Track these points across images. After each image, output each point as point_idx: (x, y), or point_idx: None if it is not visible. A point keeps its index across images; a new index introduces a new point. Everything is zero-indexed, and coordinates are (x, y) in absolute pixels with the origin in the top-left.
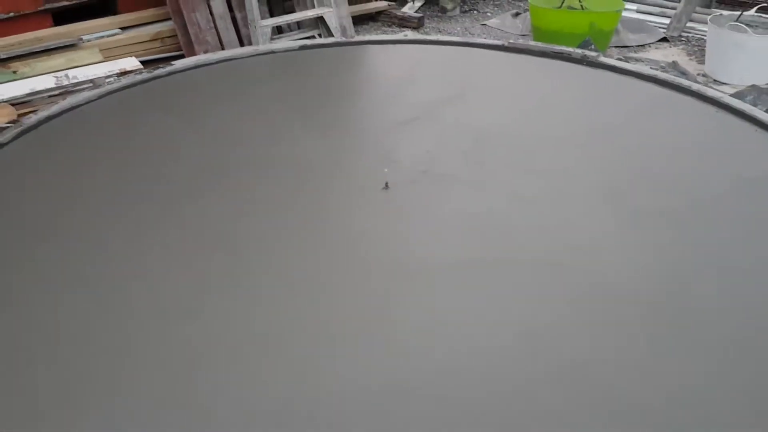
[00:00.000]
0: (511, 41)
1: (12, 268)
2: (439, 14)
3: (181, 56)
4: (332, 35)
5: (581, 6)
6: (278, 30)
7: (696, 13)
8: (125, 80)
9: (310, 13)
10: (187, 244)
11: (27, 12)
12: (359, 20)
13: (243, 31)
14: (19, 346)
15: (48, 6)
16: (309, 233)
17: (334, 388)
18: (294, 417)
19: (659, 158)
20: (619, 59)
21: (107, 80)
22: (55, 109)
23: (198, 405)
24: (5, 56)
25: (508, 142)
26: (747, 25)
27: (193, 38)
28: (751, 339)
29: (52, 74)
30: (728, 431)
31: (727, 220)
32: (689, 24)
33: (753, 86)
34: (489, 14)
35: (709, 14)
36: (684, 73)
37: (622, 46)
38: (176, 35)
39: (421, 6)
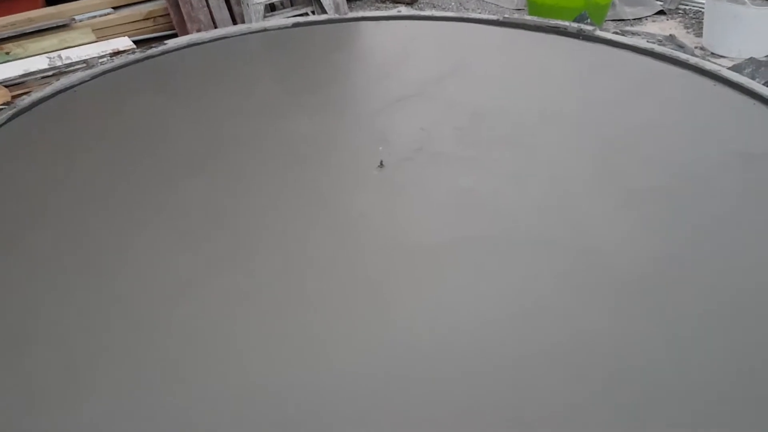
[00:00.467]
0: (506, 16)
1: (6, 250)
2: None
3: (174, 35)
4: (325, 12)
5: None
6: (271, 7)
7: None
8: (118, 60)
9: None
10: (181, 223)
11: None
12: None
13: (235, 9)
14: (10, 330)
15: None
16: (303, 212)
17: (332, 366)
18: (293, 396)
19: (656, 133)
20: (616, 33)
21: (100, 60)
22: (48, 90)
23: (194, 386)
24: None
25: (503, 119)
26: None
27: (185, 17)
28: (747, 312)
29: (45, 55)
30: (720, 400)
31: (724, 195)
32: None
33: (751, 59)
34: None
35: None
36: (681, 47)
37: (618, 20)
38: (168, 14)
39: None
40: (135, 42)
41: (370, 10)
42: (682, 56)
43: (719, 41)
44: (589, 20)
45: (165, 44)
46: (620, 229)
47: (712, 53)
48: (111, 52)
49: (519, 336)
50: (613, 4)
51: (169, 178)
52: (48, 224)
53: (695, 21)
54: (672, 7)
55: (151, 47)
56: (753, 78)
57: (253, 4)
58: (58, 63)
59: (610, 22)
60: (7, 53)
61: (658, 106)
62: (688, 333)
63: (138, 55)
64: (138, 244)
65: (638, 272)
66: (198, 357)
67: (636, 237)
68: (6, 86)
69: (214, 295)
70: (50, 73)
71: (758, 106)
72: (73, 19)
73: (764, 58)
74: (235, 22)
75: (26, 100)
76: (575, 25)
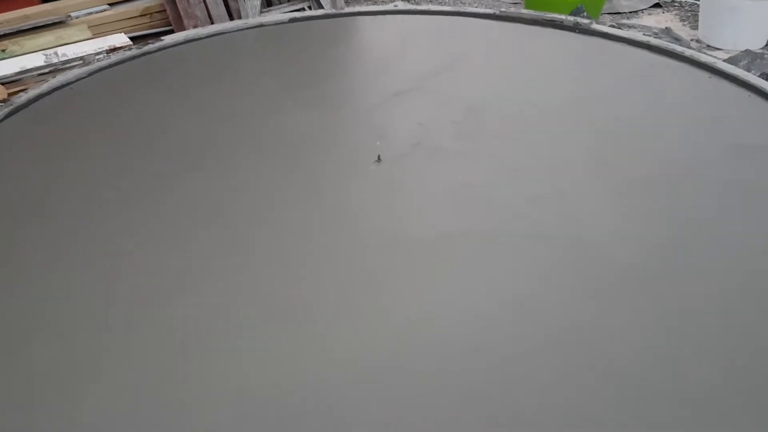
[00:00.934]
0: (502, 9)
1: (2, 248)
2: None
3: (171, 31)
4: (322, 7)
5: None
6: (268, 3)
7: None
8: (115, 57)
9: None
10: (179, 219)
11: None
12: None
13: (232, 4)
14: (7, 329)
15: None
16: (301, 207)
17: (330, 359)
18: (290, 389)
19: (652, 126)
20: (612, 26)
21: (97, 57)
22: (45, 87)
23: (194, 384)
24: None
25: (500, 113)
26: None
27: (182, 13)
28: (742, 305)
29: (42, 52)
30: (714, 395)
31: (719, 186)
32: None
33: (747, 51)
34: None
35: None
36: (677, 39)
37: (614, 13)
38: (165, 10)
39: None
40: (131, 38)
41: (367, 4)
42: (678, 49)
43: (715, 34)
44: (585, 13)
45: (161, 40)
46: (617, 222)
47: (708, 46)
48: (107, 48)
49: (516, 329)
50: None
51: (166, 174)
52: (45, 222)
53: (691, 13)
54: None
55: (148, 44)
56: (749, 70)
57: (250, 0)
58: (55, 60)
59: (606, 15)
60: (3, 50)
61: (654, 98)
62: (684, 326)
63: (134, 51)
64: (136, 240)
65: (635, 265)
66: (197, 354)
67: (633, 229)
68: (2, 84)
69: (213, 292)
70: (47, 70)
71: (754, 98)
72: (69, 16)
73: (760, 50)
74: (231, 18)
75: (23, 98)
76: (571, 18)
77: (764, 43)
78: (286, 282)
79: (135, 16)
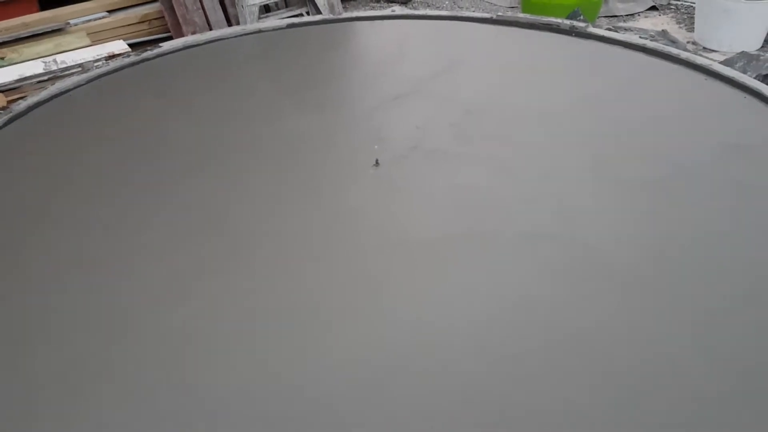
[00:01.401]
0: (499, 14)
1: (4, 255)
2: None
3: (169, 38)
4: (320, 12)
5: None
6: (266, 9)
7: None
8: (114, 64)
9: None
10: (179, 225)
11: None
12: None
13: (230, 10)
14: (12, 332)
15: None
16: (302, 211)
17: (331, 361)
18: (293, 392)
19: (649, 128)
20: (609, 29)
21: (96, 64)
22: (44, 94)
23: (195, 385)
24: None
25: (498, 116)
26: None
27: (180, 19)
28: (742, 305)
29: (41, 59)
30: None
31: (716, 187)
32: None
33: (742, 53)
34: None
35: None
36: (673, 42)
37: (611, 16)
38: (163, 17)
39: None
40: (130, 45)
41: (365, 9)
42: (674, 51)
43: (711, 36)
44: (581, 17)
45: (160, 47)
46: (615, 223)
47: (704, 48)
48: (106, 55)
49: (515, 330)
50: (606, 1)
51: (167, 179)
52: (46, 229)
53: (687, 16)
54: (664, 2)
55: (147, 50)
56: (744, 72)
57: (248, 6)
58: (54, 67)
59: (602, 18)
60: (2, 58)
61: (651, 100)
62: (684, 327)
63: (133, 58)
64: (137, 246)
65: (633, 266)
66: (200, 357)
67: (631, 231)
68: (1, 91)
69: (217, 294)
70: (46, 77)
71: (750, 99)
72: (68, 23)
73: (755, 52)
74: (230, 24)
75: (22, 105)
76: (568, 22)
77: (760, 44)
78: (288, 284)
79: (133, 23)
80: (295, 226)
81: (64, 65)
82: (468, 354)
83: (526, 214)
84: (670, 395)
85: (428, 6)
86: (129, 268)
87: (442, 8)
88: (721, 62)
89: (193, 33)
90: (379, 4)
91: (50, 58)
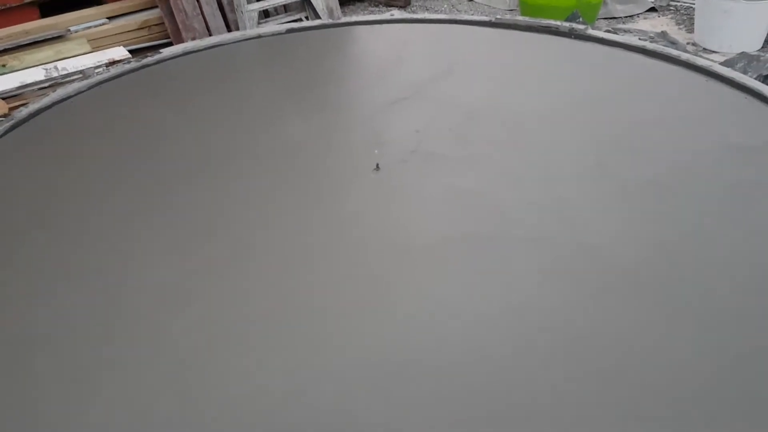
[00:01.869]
0: (498, 17)
1: (6, 261)
2: None
3: (169, 44)
4: (319, 17)
5: None
6: (265, 14)
7: None
8: (114, 70)
9: None
10: (181, 230)
11: (13, 5)
12: (346, 1)
13: (230, 16)
14: (12, 340)
15: None
16: (304, 214)
17: (334, 364)
18: (297, 396)
19: (650, 129)
20: (608, 31)
21: (96, 71)
22: (45, 101)
23: (198, 389)
24: None
25: (498, 119)
26: None
27: (180, 25)
28: (744, 307)
29: (42, 66)
30: (707, 396)
31: (719, 188)
32: None
33: (743, 53)
34: None
35: None
36: (673, 43)
37: (610, 18)
38: (163, 23)
39: None
40: (130, 51)
41: (363, 14)
42: (674, 53)
43: (710, 37)
44: (580, 19)
45: (160, 53)
46: (616, 225)
47: (704, 49)
48: (107, 62)
49: (516, 332)
50: (605, 3)
51: (169, 184)
52: (49, 234)
53: (686, 17)
54: (663, 3)
55: (147, 56)
56: (745, 72)
57: (247, 11)
58: (55, 74)
59: (601, 20)
60: (3, 65)
61: (652, 102)
62: (685, 329)
63: (134, 64)
64: (138, 251)
65: (635, 267)
66: (203, 361)
67: (632, 232)
68: (3, 98)
69: (216, 299)
70: (47, 84)
71: (750, 99)
72: (69, 30)
73: (756, 53)
74: (229, 30)
75: (24, 112)
76: (567, 24)
77: (760, 45)
78: (291, 288)
79: (133, 29)
80: (298, 230)
81: (65, 72)
82: (470, 356)
83: (528, 216)
84: (674, 397)
85: (427, 10)
86: (130, 274)
87: (441, 12)
88: (721, 63)
89: (193, 39)
90: (377, 8)
91: (51, 65)
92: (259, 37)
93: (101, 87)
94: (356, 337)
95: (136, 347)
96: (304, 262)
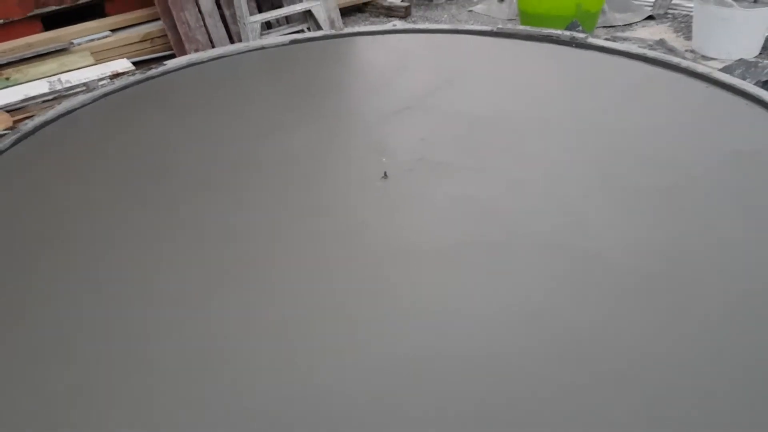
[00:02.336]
0: (499, 26)
1: (16, 274)
2: (426, 2)
3: (172, 56)
4: (321, 28)
5: None
6: (267, 25)
7: None
8: (118, 82)
9: (298, 7)
10: (189, 242)
11: (16, 19)
12: (347, 12)
13: (232, 28)
14: (26, 352)
15: (37, 11)
16: (314, 224)
17: (345, 371)
18: (308, 404)
19: (652, 136)
20: (607, 39)
21: (100, 83)
22: (50, 114)
23: (210, 396)
24: None
25: (501, 127)
26: None
27: (183, 37)
28: (750, 312)
29: (45, 79)
30: (714, 399)
31: (721, 194)
32: (675, 1)
33: (741, 60)
34: (475, 0)
35: None
36: (672, 50)
37: (609, 26)
38: (166, 35)
39: None
40: (134, 63)
41: (365, 24)
42: (674, 60)
43: (708, 44)
44: (580, 28)
45: (164, 65)
46: (621, 232)
47: (703, 56)
48: (111, 74)
49: (523, 338)
50: (603, 12)
51: (175, 196)
52: (56, 247)
53: (684, 25)
54: (661, 12)
55: (151, 68)
56: (744, 78)
57: (250, 23)
58: (59, 87)
59: (600, 29)
60: (7, 78)
61: (653, 109)
62: (692, 334)
63: (138, 76)
64: (146, 263)
65: (641, 274)
66: (214, 369)
67: (637, 239)
68: (7, 111)
69: (226, 308)
70: (51, 97)
71: (751, 105)
72: (72, 43)
73: (754, 59)
74: (232, 41)
75: (29, 125)
76: (568, 33)
77: (758, 51)
78: (307, 293)
79: (136, 42)
80: (309, 239)
81: (69, 84)
82: (479, 362)
83: (534, 223)
84: (682, 400)
85: (428, 20)
86: (138, 286)
87: (442, 22)
88: (719, 70)
89: (196, 50)
90: (379, 19)
91: (55, 78)
92: (263, 48)
93: (106, 99)
94: (368, 342)
95: (150, 354)
96: (318, 268)
